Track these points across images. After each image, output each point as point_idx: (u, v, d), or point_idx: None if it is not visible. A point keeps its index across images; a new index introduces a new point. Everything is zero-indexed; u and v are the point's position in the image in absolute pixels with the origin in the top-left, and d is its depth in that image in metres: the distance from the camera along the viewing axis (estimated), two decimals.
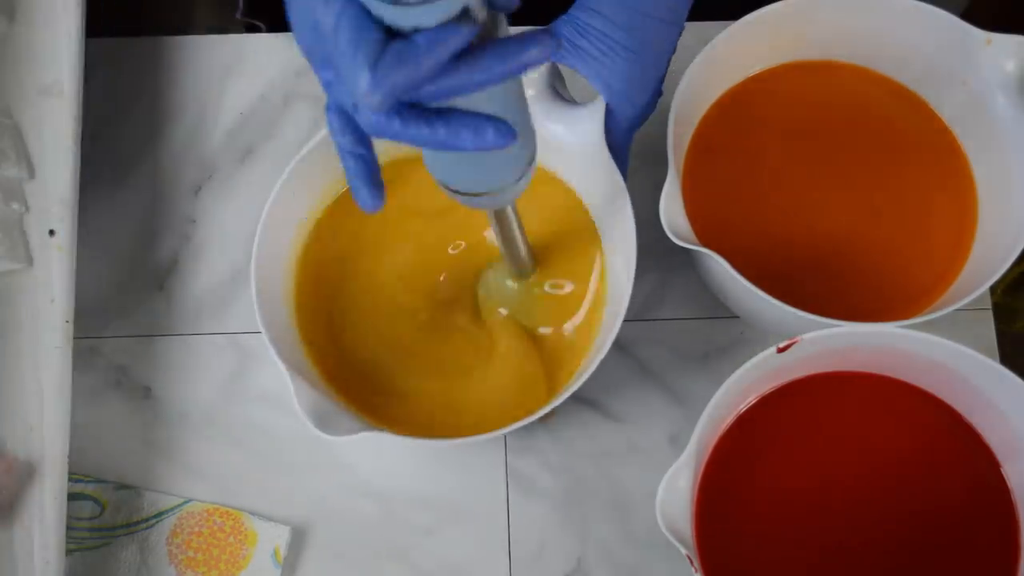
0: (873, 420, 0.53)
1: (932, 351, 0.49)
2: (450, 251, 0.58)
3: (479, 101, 0.36)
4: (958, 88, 0.58)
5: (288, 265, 0.55)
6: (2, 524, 0.52)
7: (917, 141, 0.60)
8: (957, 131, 0.60)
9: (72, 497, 0.58)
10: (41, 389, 0.54)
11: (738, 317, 0.61)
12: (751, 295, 0.51)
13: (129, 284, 0.63)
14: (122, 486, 0.59)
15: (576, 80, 0.53)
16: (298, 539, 0.59)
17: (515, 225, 0.50)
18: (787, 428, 0.52)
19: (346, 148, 0.39)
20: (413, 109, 0.35)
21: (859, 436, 0.52)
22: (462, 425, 0.53)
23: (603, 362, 0.49)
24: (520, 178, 0.43)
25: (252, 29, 0.72)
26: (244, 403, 0.61)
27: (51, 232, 0.55)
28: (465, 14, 0.33)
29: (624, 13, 0.50)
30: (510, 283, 0.56)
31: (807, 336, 0.48)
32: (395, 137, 0.35)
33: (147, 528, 0.58)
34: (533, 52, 0.34)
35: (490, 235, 0.57)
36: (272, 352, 0.50)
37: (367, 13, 0.33)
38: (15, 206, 0.55)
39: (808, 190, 0.59)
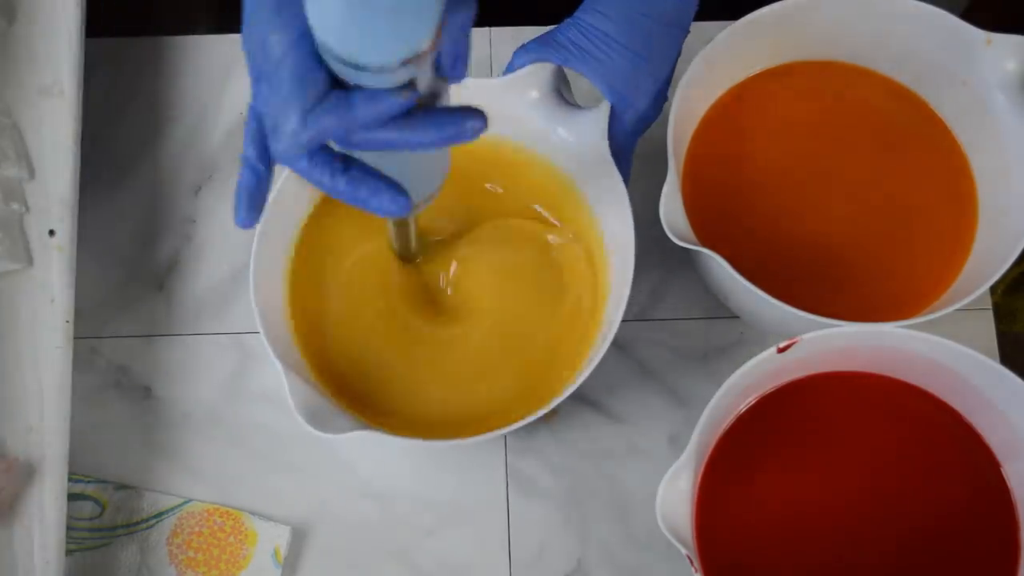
0: (873, 420, 0.53)
1: (932, 351, 0.49)
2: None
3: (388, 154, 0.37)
4: (958, 88, 0.58)
5: (286, 264, 0.55)
6: (2, 524, 0.52)
7: (917, 141, 0.60)
8: (957, 131, 0.60)
9: (72, 497, 0.58)
10: (41, 389, 0.54)
11: (738, 317, 0.61)
12: (751, 295, 0.51)
13: (129, 284, 0.63)
14: (122, 486, 0.59)
15: (582, 85, 0.53)
16: (298, 539, 0.59)
17: (411, 229, 0.52)
18: (787, 428, 0.52)
19: (248, 159, 0.39)
20: (323, 153, 0.36)
21: (859, 436, 0.52)
22: (461, 425, 0.53)
23: (603, 362, 0.49)
24: (431, 196, 0.44)
25: None
26: (244, 403, 0.61)
27: (51, 232, 0.55)
28: (410, 83, 0.34)
29: (628, 16, 0.50)
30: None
31: (807, 336, 0.48)
32: (297, 172, 0.37)
33: (147, 528, 0.58)
34: (467, 127, 0.35)
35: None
36: (268, 349, 0.50)
37: (315, 53, 0.33)
38: (15, 206, 0.55)
39: (808, 190, 0.60)
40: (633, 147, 0.53)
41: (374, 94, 0.33)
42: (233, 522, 0.58)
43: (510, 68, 0.53)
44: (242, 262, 0.63)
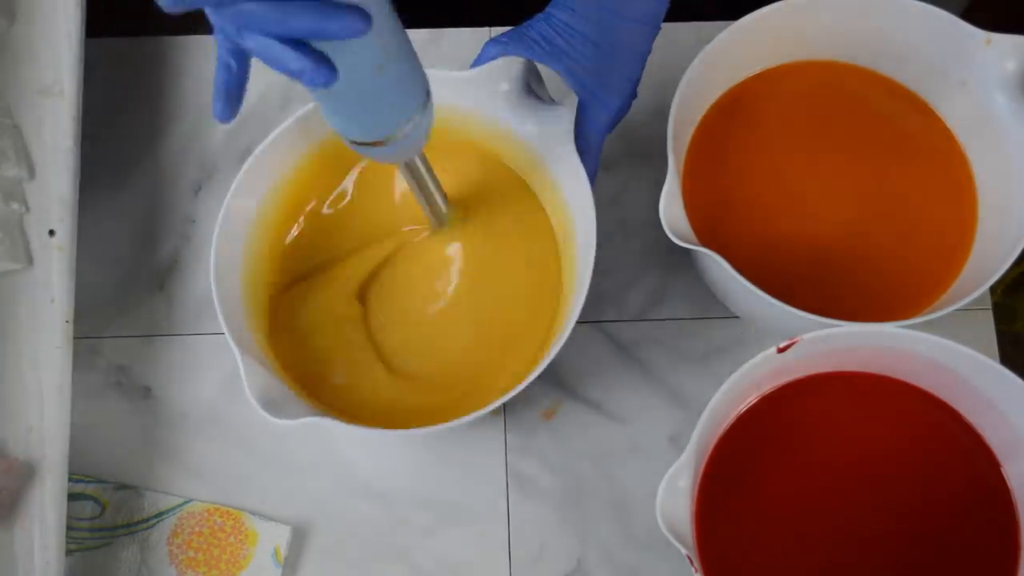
0: (873, 420, 0.53)
1: (932, 351, 0.49)
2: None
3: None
4: (958, 88, 0.58)
5: (246, 254, 0.55)
6: (2, 524, 0.52)
7: (917, 141, 0.60)
8: (957, 131, 0.60)
9: (72, 497, 0.58)
10: (41, 389, 0.54)
11: (738, 317, 0.61)
12: (751, 295, 0.51)
13: (129, 284, 0.63)
14: (122, 486, 0.59)
15: (558, 83, 0.53)
16: (299, 539, 0.59)
17: (426, 176, 0.51)
18: (787, 428, 0.52)
19: (221, 56, 0.40)
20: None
21: (859, 436, 0.52)
22: (423, 415, 0.53)
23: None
24: (413, 121, 0.44)
25: None
26: (245, 403, 0.61)
27: (51, 232, 0.55)
28: None
29: (599, 14, 0.50)
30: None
31: (807, 336, 0.48)
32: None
33: (147, 528, 0.58)
34: (342, 23, 0.35)
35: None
36: (225, 331, 0.50)
37: None
38: (15, 206, 0.55)
39: (808, 190, 0.60)
40: (601, 143, 0.53)
41: None
42: (233, 522, 0.58)
43: (480, 60, 0.53)
44: None
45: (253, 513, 0.58)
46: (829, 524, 0.51)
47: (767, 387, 0.52)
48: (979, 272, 0.55)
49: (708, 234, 0.57)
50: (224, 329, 0.51)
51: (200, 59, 0.67)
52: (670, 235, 0.50)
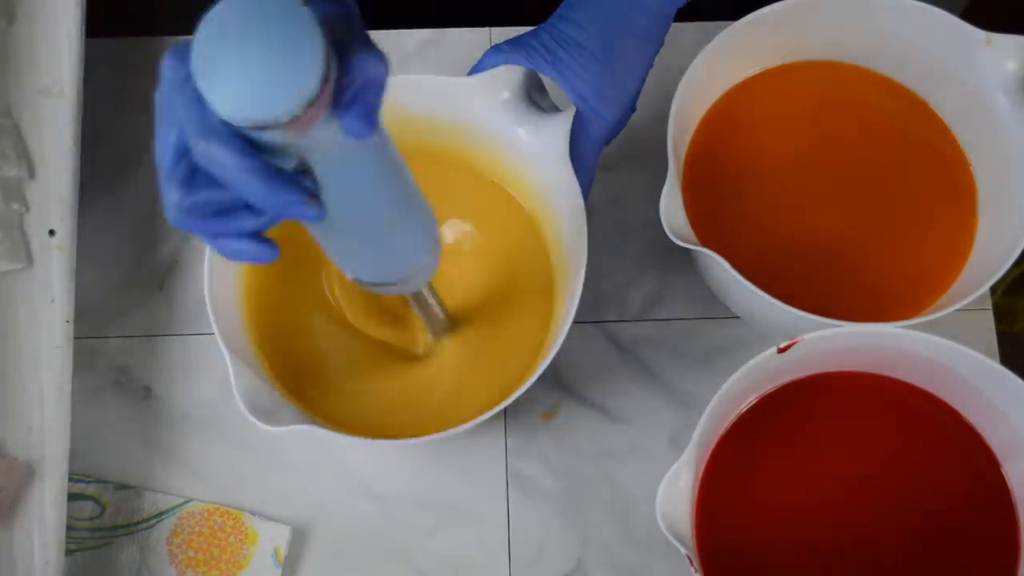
0: (873, 420, 0.53)
1: (932, 351, 0.49)
2: None
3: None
4: (958, 88, 0.58)
5: (241, 268, 0.55)
6: (2, 524, 0.52)
7: (917, 141, 0.60)
8: (957, 131, 0.60)
9: (72, 497, 0.58)
10: (41, 389, 0.54)
11: (738, 317, 0.61)
12: (751, 295, 0.51)
13: (129, 284, 0.63)
14: (122, 486, 0.59)
15: (561, 95, 0.53)
16: (299, 539, 0.59)
17: (431, 300, 0.51)
18: (787, 428, 0.52)
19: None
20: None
21: (859, 436, 0.52)
22: (422, 424, 0.53)
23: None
24: (427, 263, 0.44)
25: None
26: None
27: (51, 232, 0.55)
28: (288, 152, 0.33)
29: (603, 28, 0.50)
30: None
31: (807, 336, 0.48)
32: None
33: (147, 528, 0.58)
34: (295, 209, 0.33)
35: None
36: (216, 334, 0.50)
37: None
38: (15, 206, 0.55)
39: (808, 190, 0.60)
40: (597, 156, 0.53)
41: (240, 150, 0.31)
42: (233, 522, 0.58)
43: (480, 66, 0.53)
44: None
45: (253, 513, 0.58)
46: (829, 524, 0.51)
47: (767, 387, 0.52)
48: (979, 272, 0.55)
49: (708, 234, 0.57)
50: (215, 332, 0.50)
51: None
52: (670, 235, 0.50)
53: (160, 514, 0.58)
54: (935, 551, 0.51)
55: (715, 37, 0.55)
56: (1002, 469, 0.51)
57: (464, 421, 0.49)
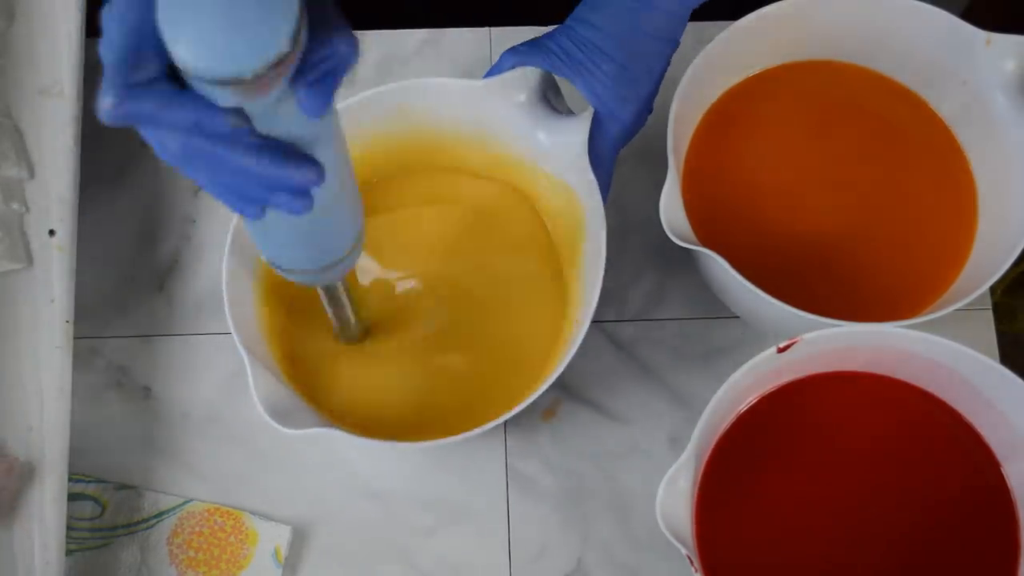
0: (873, 420, 0.53)
1: (932, 351, 0.49)
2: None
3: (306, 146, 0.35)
4: (958, 88, 0.58)
5: (258, 270, 0.55)
6: (2, 524, 0.52)
7: (917, 141, 0.60)
8: (957, 131, 0.60)
9: (72, 497, 0.58)
10: (41, 389, 0.54)
11: (738, 317, 0.61)
12: (751, 295, 0.51)
13: (129, 284, 0.63)
14: (122, 486, 0.59)
15: (578, 98, 0.53)
16: (299, 539, 0.59)
17: (345, 300, 0.50)
18: (787, 428, 0.52)
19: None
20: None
21: (859, 436, 0.52)
22: (429, 428, 0.53)
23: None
24: (348, 255, 0.43)
25: None
26: (244, 403, 0.61)
27: (51, 232, 0.55)
28: (244, 115, 0.32)
29: (620, 30, 0.50)
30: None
31: (807, 336, 0.48)
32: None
33: (148, 528, 0.58)
34: (300, 174, 0.33)
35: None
36: (234, 337, 0.50)
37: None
38: (15, 206, 0.55)
39: (808, 190, 0.60)
40: (615, 157, 0.53)
41: (209, 104, 0.31)
42: (234, 522, 0.58)
43: (497, 68, 0.53)
44: None
45: (253, 513, 0.58)
46: (829, 524, 0.51)
47: (767, 387, 0.52)
48: (979, 272, 0.55)
49: (708, 234, 0.57)
50: (233, 334, 0.50)
51: None
52: (670, 235, 0.50)
53: (160, 514, 0.58)
54: (935, 550, 0.51)
55: (715, 37, 0.55)
56: (1002, 469, 0.51)
57: (473, 424, 0.49)
